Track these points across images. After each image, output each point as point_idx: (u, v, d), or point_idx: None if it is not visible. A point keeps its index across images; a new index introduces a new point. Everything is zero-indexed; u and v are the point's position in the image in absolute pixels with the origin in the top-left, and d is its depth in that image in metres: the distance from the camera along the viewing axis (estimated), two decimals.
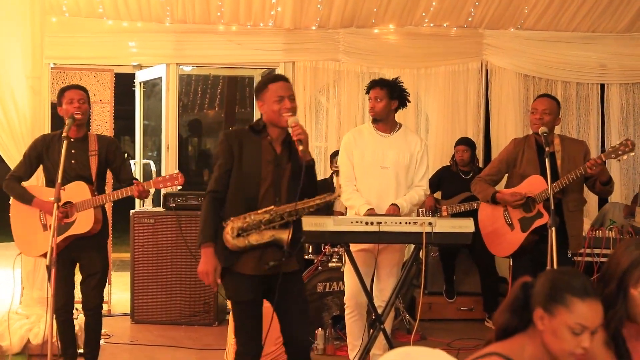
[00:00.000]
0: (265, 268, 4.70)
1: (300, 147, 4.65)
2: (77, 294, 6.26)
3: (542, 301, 2.93)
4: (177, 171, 6.10)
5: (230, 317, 6.94)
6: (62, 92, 6.09)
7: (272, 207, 4.71)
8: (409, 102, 6.53)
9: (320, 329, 7.13)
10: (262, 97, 4.92)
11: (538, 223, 6.05)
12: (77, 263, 6.15)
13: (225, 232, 4.74)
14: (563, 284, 2.91)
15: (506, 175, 6.54)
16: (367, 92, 6.44)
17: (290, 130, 4.78)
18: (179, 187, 6.07)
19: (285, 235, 4.69)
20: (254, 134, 4.92)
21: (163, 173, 8.80)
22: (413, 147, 6.39)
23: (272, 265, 4.69)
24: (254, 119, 9.90)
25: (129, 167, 6.27)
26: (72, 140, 5.83)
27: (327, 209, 7.51)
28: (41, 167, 6.17)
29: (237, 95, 16.50)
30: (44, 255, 5.51)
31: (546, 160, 5.65)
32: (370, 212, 6.08)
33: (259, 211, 4.72)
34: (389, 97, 6.33)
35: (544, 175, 5.95)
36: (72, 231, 5.89)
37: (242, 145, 4.86)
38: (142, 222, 8.16)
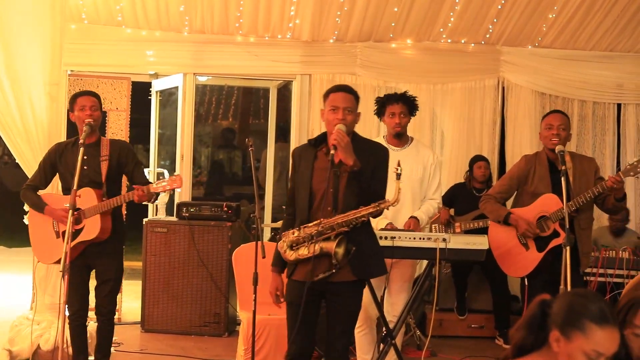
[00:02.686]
0: (314, 279, 4.71)
1: (332, 152, 4.65)
2: (92, 301, 6.29)
3: (560, 324, 2.90)
4: (177, 173, 6.11)
5: (239, 329, 6.95)
6: (74, 98, 6.13)
7: (322, 219, 4.71)
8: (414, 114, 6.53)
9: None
10: (324, 105, 4.96)
11: (555, 243, 6.00)
12: (92, 269, 6.16)
13: (279, 246, 4.88)
14: (581, 308, 2.88)
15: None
16: (384, 107, 6.40)
17: None
18: (179, 190, 6.05)
19: (333, 247, 4.67)
20: (311, 147, 4.98)
21: None
22: (426, 160, 6.40)
23: (321, 278, 4.72)
24: (268, 131, 10.05)
25: (143, 171, 6.27)
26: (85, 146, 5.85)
27: None
28: (57, 175, 6.21)
29: (251, 107, 16.50)
30: (58, 262, 5.51)
31: (562, 178, 5.61)
32: (390, 227, 6.08)
33: (310, 224, 4.75)
34: (410, 112, 6.35)
35: (556, 193, 5.93)
36: (81, 238, 5.92)
37: (301, 159, 4.98)
38: (154, 231, 8.16)
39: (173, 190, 6.20)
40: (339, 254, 4.66)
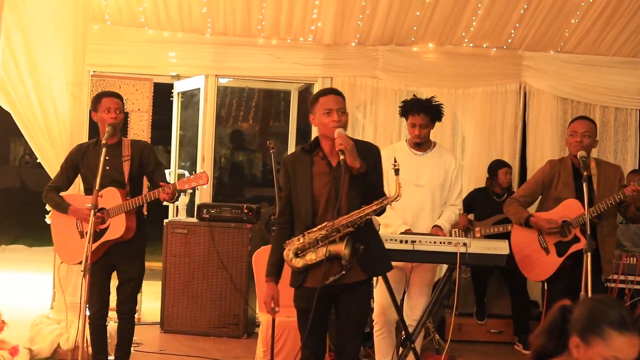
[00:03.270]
0: (325, 283, 4.70)
1: (342, 157, 4.62)
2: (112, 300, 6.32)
3: (579, 330, 2.89)
4: (202, 170, 6.12)
5: (259, 330, 6.96)
6: (99, 98, 6.15)
7: (326, 222, 4.72)
8: (440, 120, 6.50)
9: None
10: (313, 110, 4.94)
11: (575, 248, 6.00)
12: (115, 269, 6.19)
13: (285, 255, 4.85)
14: (601, 314, 2.87)
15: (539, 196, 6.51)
16: (407, 114, 6.37)
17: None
18: (205, 186, 6.05)
19: (341, 249, 4.67)
20: (305, 153, 4.96)
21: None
22: (448, 166, 6.38)
23: (332, 280, 4.71)
24: (289, 133, 10.06)
25: (163, 171, 6.29)
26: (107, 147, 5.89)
27: None
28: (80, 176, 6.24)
29: (272, 109, 16.54)
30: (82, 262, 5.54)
31: (584, 184, 5.59)
32: (407, 233, 6.07)
33: (314, 229, 4.74)
34: (432, 122, 6.32)
35: (580, 199, 5.91)
36: (106, 237, 5.95)
37: (295, 167, 4.94)
38: (175, 232, 8.19)
39: (198, 187, 6.18)
40: (347, 254, 4.66)
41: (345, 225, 4.69)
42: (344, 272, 4.69)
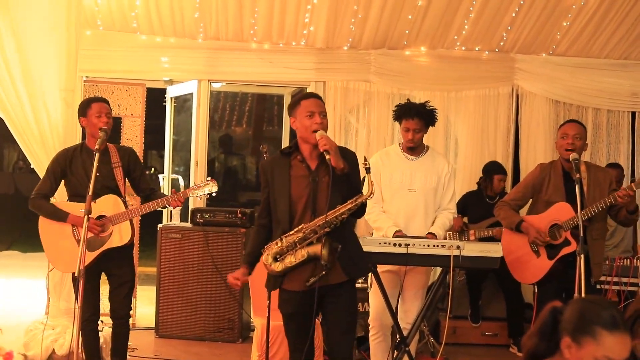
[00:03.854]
0: (307, 284, 4.73)
1: (328, 157, 4.64)
2: (103, 307, 6.32)
3: (571, 330, 2.91)
4: (209, 178, 6.12)
5: (253, 335, 6.97)
6: (89, 103, 6.13)
7: (303, 224, 4.74)
8: (434, 124, 6.51)
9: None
10: (294, 113, 4.96)
11: (565, 251, 6.02)
12: (104, 273, 6.17)
13: (263, 260, 4.87)
14: (592, 315, 2.89)
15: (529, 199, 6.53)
16: (401, 118, 6.38)
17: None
18: (214, 192, 6.06)
19: (319, 250, 4.69)
20: (284, 157, 4.99)
21: None
22: (440, 170, 6.38)
23: (313, 282, 4.71)
24: (282, 137, 10.07)
25: (147, 177, 6.30)
26: (93, 152, 5.87)
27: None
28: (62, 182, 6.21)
29: (265, 113, 16.55)
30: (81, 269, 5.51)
31: (576, 187, 5.60)
32: (398, 234, 6.07)
33: (292, 232, 4.76)
34: (426, 126, 6.33)
35: (570, 202, 5.94)
36: (108, 245, 5.93)
37: (274, 171, 4.97)
38: (169, 236, 8.19)
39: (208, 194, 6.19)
40: (325, 254, 4.67)
41: (322, 226, 4.70)
42: (324, 273, 4.69)
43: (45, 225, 6.20)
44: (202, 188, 5.92)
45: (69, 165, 6.11)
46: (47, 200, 6.18)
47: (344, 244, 4.80)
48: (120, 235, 5.95)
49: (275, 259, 4.80)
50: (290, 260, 4.75)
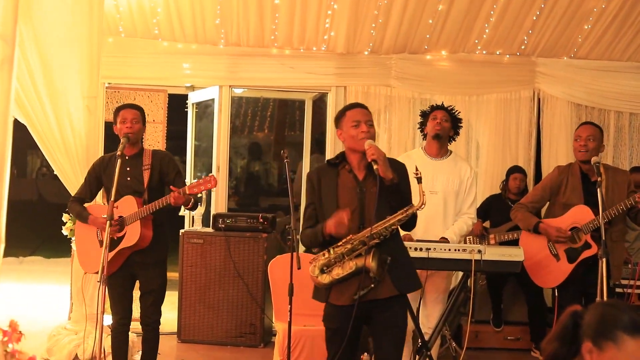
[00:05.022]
0: (354, 299, 4.63)
1: (376, 167, 4.59)
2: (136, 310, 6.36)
3: (592, 335, 2.89)
4: (211, 174, 6.13)
5: (275, 339, 6.97)
6: (118, 111, 6.21)
7: (351, 235, 4.67)
8: (459, 134, 6.56)
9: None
10: (340, 125, 4.93)
11: (586, 254, 6.01)
12: (136, 279, 6.23)
13: (310, 272, 4.77)
14: (613, 319, 2.87)
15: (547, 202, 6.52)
16: (427, 117, 6.51)
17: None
18: (213, 190, 6.06)
19: (368, 261, 4.60)
20: (331, 167, 4.94)
21: (213, 195, 8.88)
22: (463, 174, 6.40)
23: (361, 295, 4.61)
24: (304, 142, 10.07)
25: (183, 180, 6.31)
26: (127, 157, 5.94)
27: None
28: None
29: (287, 119, 16.57)
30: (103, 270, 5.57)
31: (598, 190, 5.59)
32: (404, 237, 6.09)
33: (339, 243, 4.68)
34: (452, 124, 6.38)
35: (589, 204, 5.94)
36: (122, 245, 5.98)
37: (320, 181, 4.90)
38: (191, 242, 8.22)
39: (209, 190, 6.20)
40: (375, 266, 4.58)
41: (371, 237, 4.62)
42: (372, 286, 4.61)
43: (79, 227, 6.43)
44: (201, 185, 5.90)
45: (104, 171, 6.22)
46: (81, 203, 6.33)
47: (394, 256, 4.71)
48: (130, 235, 6.00)
49: (322, 271, 4.72)
50: (338, 272, 4.66)
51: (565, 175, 6.30)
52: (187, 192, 5.86)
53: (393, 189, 4.66)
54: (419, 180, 4.74)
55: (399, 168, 4.85)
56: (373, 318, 4.78)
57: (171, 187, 5.93)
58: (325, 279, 4.71)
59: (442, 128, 6.39)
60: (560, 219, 6.18)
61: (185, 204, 5.98)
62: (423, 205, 4.73)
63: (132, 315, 6.31)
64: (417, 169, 4.77)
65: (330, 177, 4.89)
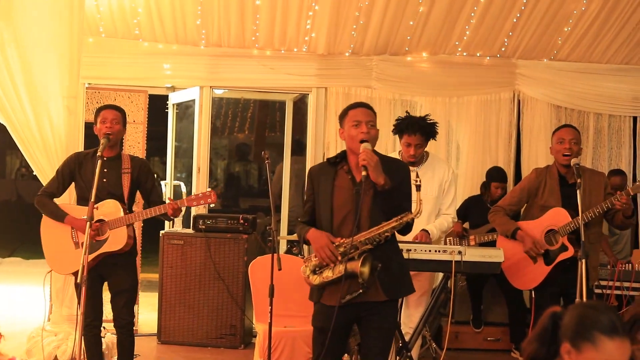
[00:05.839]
0: (342, 302, 4.62)
1: (364, 173, 4.55)
2: (106, 314, 6.31)
3: (570, 336, 2.91)
4: (209, 189, 6.11)
5: (255, 341, 6.97)
6: (98, 111, 6.15)
7: (343, 238, 4.66)
8: (435, 137, 6.53)
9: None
10: (342, 123, 4.90)
11: (563, 256, 6.05)
12: (105, 280, 6.18)
13: (302, 271, 4.78)
14: (591, 320, 2.89)
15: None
16: (402, 133, 6.40)
17: None
18: (212, 205, 6.05)
19: (358, 267, 4.57)
20: (330, 166, 4.92)
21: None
22: (441, 177, 6.41)
23: (348, 299, 4.62)
24: (284, 143, 10.07)
25: (160, 189, 6.29)
26: (105, 159, 5.89)
27: None
28: (73, 184, 6.22)
29: (267, 120, 16.57)
30: (75, 272, 5.51)
31: (577, 191, 5.62)
32: (420, 237, 6.10)
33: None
34: (426, 140, 6.36)
35: (566, 207, 5.97)
36: (104, 249, 5.91)
37: (320, 178, 4.89)
38: (171, 243, 8.18)
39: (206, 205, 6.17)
40: (365, 273, 4.56)
41: (364, 242, 4.62)
42: (361, 291, 4.59)
43: (46, 224, 6.24)
44: (200, 199, 5.89)
45: (78, 169, 6.13)
46: (51, 199, 6.21)
47: (387, 262, 4.69)
48: (115, 240, 5.94)
49: (314, 272, 4.73)
50: (327, 274, 4.66)
51: (543, 177, 6.32)
52: (185, 205, 5.86)
53: (385, 195, 4.63)
54: (418, 188, 4.73)
55: (400, 171, 4.85)
56: (362, 319, 4.78)
57: (169, 198, 5.93)
58: (316, 279, 4.72)
59: (416, 156, 6.35)
60: (537, 222, 6.21)
61: (178, 214, 5.98)
62: (419, 214, 4.73)
63: (102, 316, 6.24)
64: (417, 176, 4.76)
65: (327, 176, 4.87)
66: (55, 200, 6.24)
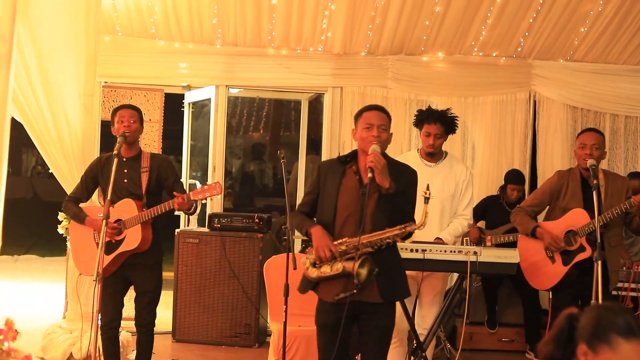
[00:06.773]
0: (335, 299, 4.69)
1: (369, 175, 4.60)
2: (126, 311, 6.34)
3: (587, 337, 2.90)
4: (215, 181, 6.11)
5: (270, 340, 6.98)
6: (115, 111, 6.18)
7: (346, 238, 4.70)
8: (455, 131, 6.53)
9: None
10: (356, 124, 4.95)
11: (580, 257, 6.03)
12: (130, 281, 6.22)
13: (302, 263, 4.85)
14: (608, 322, 2.87)
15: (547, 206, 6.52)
16: (422, 124, 6.40)
17: None
18: (218, 196, 6.04)
19: (356, 267, 4.60)
20: (340, 164, 4.95)
21: None
22: (458, 176, 6.38)
23: (342, 297, 4.66)
24: (299, 143, 10.07)
25: (182, 186, 6.29)
26: (124, 159, 5.92)
27: None
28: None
29: (282, 119, 16.58)
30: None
31: (594, 192, 5.61)
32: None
33: (335, 243, 4.72)
34: (446, 133, 6.34)
35: (587, 209, 5.95)
36: (122, 248, 5.95)
37: (327, 174, 4.93)
38: (186, 241, 8.21)
39: (212, 197, 6.18)
40: (362, 274, 4.60)
41: (365, 245, 4.65)
42: (354, 291, 4.63)
43: (73, 228, 6.39)
44: (206, 192, 5.89)
45: (101, 172, 6.18)
46: (77, 203, 6.29)
47: (386, 268, 4.73)
48: (131, 239, 5.97)
49: (314, 265, 4.79)
50: (325, 270, 4.71)
51: (565, 180, 6.31)
52: (192, 198, 5.86)
53: (388, 199, 4.67)
54: (426, 200, 4.74)
55: (407, 175, 4.89)
56: (359, 318, 4.83)
57: (175, 192, 5.91)
58: (314, 273, 4.78)
59: (435, 146, 6.34)
60: (557, 222, 6.20)
61: (188, 209, 5.97)
62: (423, 226, 4.76)
63: (121, 317, 6.26)
64: (427, 188, 4.77)
65: (335, 174, 4.91)
66: (84, 203, 6.32)
